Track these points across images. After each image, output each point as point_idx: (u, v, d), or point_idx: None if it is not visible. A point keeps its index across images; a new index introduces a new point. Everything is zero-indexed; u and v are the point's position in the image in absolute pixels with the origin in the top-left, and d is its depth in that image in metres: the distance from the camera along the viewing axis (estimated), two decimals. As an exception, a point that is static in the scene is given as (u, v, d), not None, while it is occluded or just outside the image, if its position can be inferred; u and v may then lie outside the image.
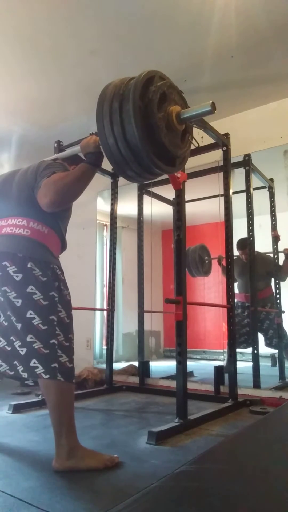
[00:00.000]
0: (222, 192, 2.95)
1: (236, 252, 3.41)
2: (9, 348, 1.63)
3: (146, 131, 1.37)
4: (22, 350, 1.59)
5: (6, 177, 1.84)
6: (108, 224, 3.81)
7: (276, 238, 3.70)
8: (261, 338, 3.56)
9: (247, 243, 3.40)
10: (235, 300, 3.59)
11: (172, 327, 2.30)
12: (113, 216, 3.60)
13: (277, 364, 3.60)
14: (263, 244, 3.68)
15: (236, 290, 3.82)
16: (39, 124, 3.46)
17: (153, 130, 1.37)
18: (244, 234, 3.48)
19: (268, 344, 3.67)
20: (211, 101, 1.38)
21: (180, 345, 2.23)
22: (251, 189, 3.35)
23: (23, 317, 1.58)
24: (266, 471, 1.38)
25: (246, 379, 3.07)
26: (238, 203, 3.20)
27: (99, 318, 4.77)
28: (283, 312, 3.63)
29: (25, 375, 1.60)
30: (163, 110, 1.40)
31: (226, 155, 2.94)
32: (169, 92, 1.44)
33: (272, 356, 3.93)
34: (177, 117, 1.43)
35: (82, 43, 2.54)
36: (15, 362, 1.61)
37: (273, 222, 3.71)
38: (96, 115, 1.43)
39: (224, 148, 2.95)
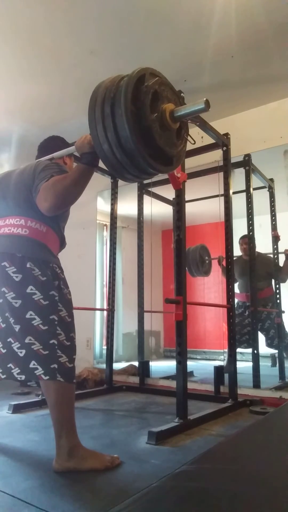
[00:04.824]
0: (222, 192, 2.95)
1: (236, 253, 3.40)
2: (4, 351, 1.62)
3: (141, 134, 1.35)
4: (21, 352, 1.58)
5: (3, 177, 1.83)
6: (108, 224, 3.81)
7: (276, 238, 3.70)
8: (262, 338, 3.56)
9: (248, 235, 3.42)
10: (236, 300, 3.61)
11: (172, 327, 2.30)
12: (113, 216, 3.60)
13: (277, 364, 3.60)
14: (263, 244, 3.68)
15: (237, 290, 3.83)
16: (39, 124, 3.46)
17: (147, 132, 1.35)
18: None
19: (269, 344, 3.67)
20: (204, 99, 1.36)
21: (180, 345, 2.23)
22: (251, 189, 3.35)
23: (22, 318, 1.58)
24: (266, 471, 1.38)
25: (246, 379, 3.07)
26: (238, 203, 3.20)
27: (99, 318, 4.77)
28: (283, 312, 3.64)
29: (22, 377, 1.59)
30: (156, 109, 1.38)
31: (226, 155, 2.94)
32: (161, 89, 1.41)
33: (272, 356, 3.93)
34: (171, 115, 1.41)
35: (81, 43, 2.54)
36: (10, 365, 1.60)
37: (273, 222, 3.72)
38: (88, 120, 1.41)
39: (224, 148, 2.95)
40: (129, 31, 2.44)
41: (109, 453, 1.68)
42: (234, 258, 3.18)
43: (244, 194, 3.36)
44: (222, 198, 2.94)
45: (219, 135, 2.86)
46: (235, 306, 3.17)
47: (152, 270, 4.13)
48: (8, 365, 1.61)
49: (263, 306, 3.68)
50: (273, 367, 3.84)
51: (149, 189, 3.76)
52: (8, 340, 1.61)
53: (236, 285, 3.75)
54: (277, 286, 3.65)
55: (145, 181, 3.65)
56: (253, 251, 3.39)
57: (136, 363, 3.72)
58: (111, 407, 2.84)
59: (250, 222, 3.33)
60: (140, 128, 1.35)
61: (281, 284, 3.65)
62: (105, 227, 5.02)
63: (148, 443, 1.94)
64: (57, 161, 1.82)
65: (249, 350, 3.33)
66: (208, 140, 2.94)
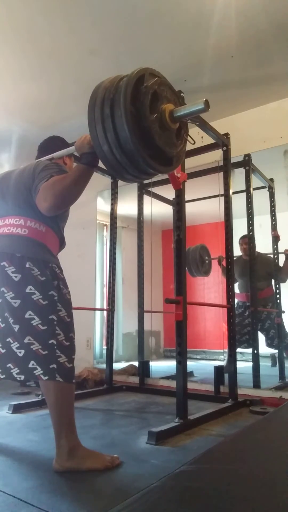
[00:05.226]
0: (222, 192, 2.95)
1: (236, 253, 3.40)
2: (3, 351, 1.62)
3: (140, 135, 1.35)
4: (20, 352, 1.58)
5: (2, 177, 1.83)
6: (108, 224, 3.81)
7: (276, 238, 3.70)
8: (262, 338, 3.56)
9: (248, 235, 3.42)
10: (236, 300, 3.61)
11: (172, 327, 2.30)
12: (113, 216, 3.60)
13: (277, 364, 3.60)
14: (263, 244, 3.68)
15: (237, 290, 3.83)
16: (39, 124, 3.46)
17: (147, 133, 1.35)
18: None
19: (269, 344, 3.68)
20: (204, 99, 1.36)
21: (180, 345, 2.23)
22: (251, 189, 3.35)
23: (22, 318, 1.58)
24: (266, 471, 1.38)
25: (246, 379, 3.07)
26: (238, 203, 3.20)
27: (99, 318, 4.77)
28: (283, 312, 3.64)
29: (21, 377, 1.59)
30: (156, 110, 1.38)
31: (226, 155, 2.94)
32: (160, 90, 1.41)
33: (272, 356, 3.93)
34: (170, 115, 1.41)
35: (81, 42, 2.54)
36: (9, 365, 1.60)
37: (273, 222, 3.72)
38: (88, 121, 1.41)
39: (224, 148, 2.95)
40: (129, 31, 2.44)
41: (109, 453, 1.68)
42: (234, 258, 3.18)
43: (244, 194, 3.36)
44: (222, 198, 2.94)
45: (219, 135, 2.86)
46: (235, 306, 3.17)
47: (152, 270, 4.13)
48: (8, 365, 1.61)
49: (263, 306, 3.68)
50: (273, 367, 3.84)
51: (149, 189, 3.76)
52: (7, 340, 1.61)
53: (236, 285, 3.76)
54: (277, 286, 3.65)
55: (145, 181, 3.66)
56: (253, 251, 3.39)
57: (136, 363, 3.72)
58: (111, 407, 2.84)
59: (250, 222, 3.33)
60: (140, 129, 1.35)
61: (281, 284, 3.65)
62: (105, 227, 5.02)
63: (148, 443, 1.94)
64: (57, 161, 1.82)
65: (249, 350, 3.33)
66: (208, 140, 2.94)
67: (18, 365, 1.59)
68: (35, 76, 2.87)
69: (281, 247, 3.69)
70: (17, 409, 2.59)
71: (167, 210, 4.08)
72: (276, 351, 3.66)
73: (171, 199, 3.78)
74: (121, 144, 1.35)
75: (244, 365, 3.44)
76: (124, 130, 1.32)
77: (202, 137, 3.00)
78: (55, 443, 1.59)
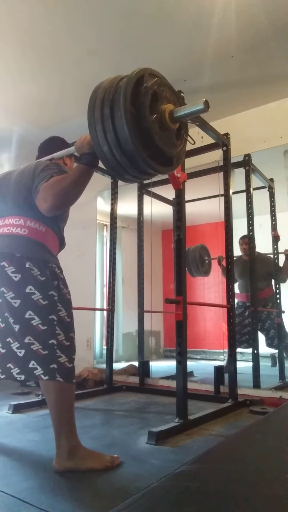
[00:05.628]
0: (222, 192, 2.95)
1: (236, 253, 3.40)
2: (3, 351, 1.62)
3: (140, 136, 1.35)
4: (20, 352, 1.58)
5: (2, 177, 1.83)
6: (108, 224, 3.81)
7: (276, 238, 3.71)
8: (262, 338, 3.56)
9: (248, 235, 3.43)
10: (236, 300, 3.61)
11: (172, 327, 2.30)
12: (113, 216, 3.60)
13: (277, 364, 3.61)
14: (263, 244, 3.68)
15: (237, 290, 3.83)
16: (39, 124, 3.46)
17: (147, 133, 1.35)
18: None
19: (270, 344, 3.68)
20: (204, 99, 1.36)
21: (180, 345, 2.23)
22: (251, 189, 3.35)
23: (22, 318, 1.58)
24: (266, 471, 1.38)
25: (246, 379, 3.07)
26: (238, 203, 3.20)
27: (99, 318, 4.77)
28: (283, 312, 3.64)
29: (21, 377, 1.59)
30: (155, 110, 1.38)
31: (226, 155, 2.94)
32: (160, 90, 1.41)
33: (272, 356, 3.94)
34: (170, 116, 1.41)
35: (81, 42, 2.54)
36: (9, 365, 1.60)
37: (273, 222, 3.72)
38: (87, 122, 1.41)
39: (224, 148, 2.95)
40: (129, 31, 2.44)
41: (109, 453, 1.68)
42: (234, 258, 3.18)
43: (244, 194, 3.36)
44: (222, 198, 2.94)
45: (219, 135, 2.86)
46: (235, 306, 3.17)
47: (152, 270, 4.13)
48: (8, 365, 1.61)
49: (263, 306, 3.68)
50: (273, 367, 3.85)
51: (149, 189, 3.76)
52: (8, 340, 1.61)
53: (236, 285, 3.76)
54: (277, 286, 3.65)
55: (145, 181, 3.66)
56: (253, 251, 3.39)
57: (136, 363, 3.72)
58: (111, 407, 2.84)
59: (250, 222, 3.33)
60: (140, 129, 1.35)
61: (281, 284, 3.65)
62: (105, 227, 5.02)
63: (148, 443, 1.94)
64: (57, 161, 1.82)
65: (249, 350, 3.33)
66: (208, 140, 2.94)
67: (18, 365, 1.59)
68: (35, 76, 2.87)
69: (281, 247, 3.69)
70: (17, 409, 2.59)
71: (167, 210, 4.08)
72: (276, 351, 3.66)
73: (171, 199, 3.78)
74: (121, 144, 1.35)
75: (244, 365, 3.44)
76: (124, 131, 1.32)
77: (202, 137, 3.00)
78: (55, 443, 1.59)
